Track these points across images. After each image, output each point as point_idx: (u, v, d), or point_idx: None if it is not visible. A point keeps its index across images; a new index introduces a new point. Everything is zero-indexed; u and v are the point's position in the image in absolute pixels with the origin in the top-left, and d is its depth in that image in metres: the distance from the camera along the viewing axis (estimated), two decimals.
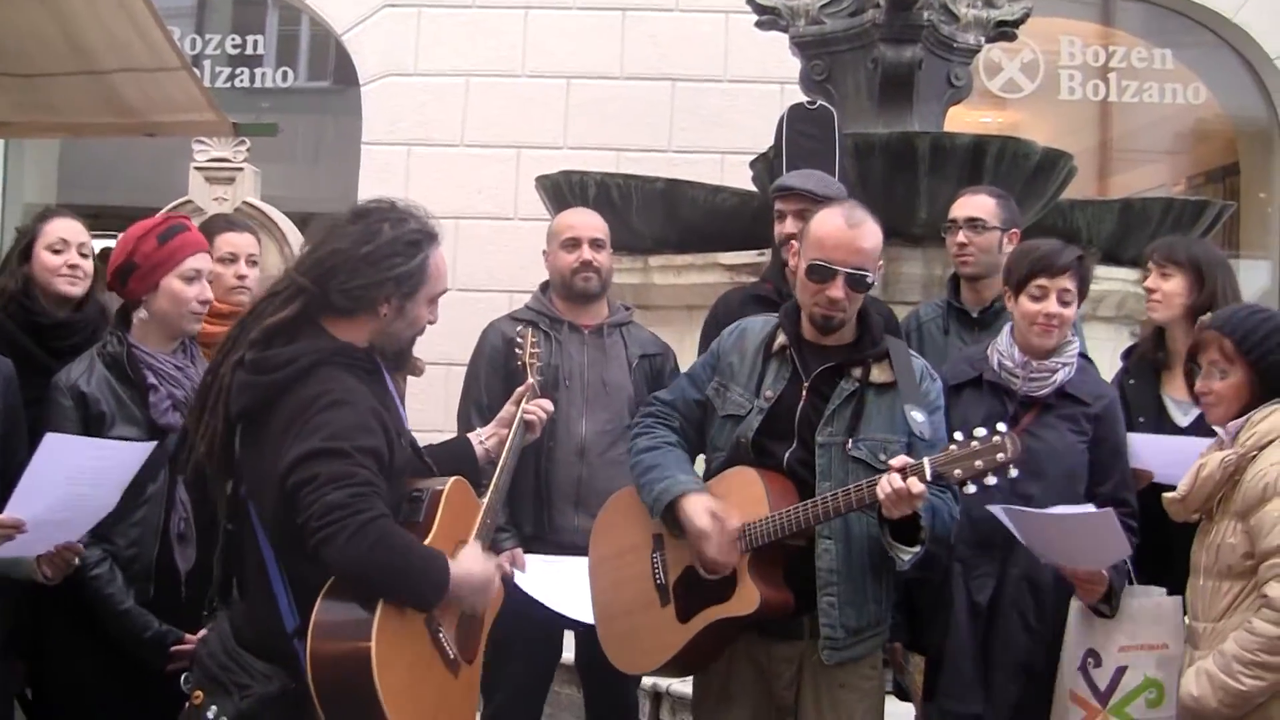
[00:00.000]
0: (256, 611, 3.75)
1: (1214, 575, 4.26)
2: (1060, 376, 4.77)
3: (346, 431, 3.56)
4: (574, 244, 5.66)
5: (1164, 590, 4.67)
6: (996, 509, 4.40)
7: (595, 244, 5.66)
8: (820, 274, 4.30)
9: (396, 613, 3.55)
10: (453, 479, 4.02)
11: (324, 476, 3.46)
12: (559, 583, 5.11)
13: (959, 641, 4.76)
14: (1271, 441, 4.18)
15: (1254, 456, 4.18)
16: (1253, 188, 13.44)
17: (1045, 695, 4.68)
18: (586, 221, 5.80)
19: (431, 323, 4.01)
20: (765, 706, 4.47)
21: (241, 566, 3.88)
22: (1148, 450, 4.89)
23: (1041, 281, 4.71)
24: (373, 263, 3.75)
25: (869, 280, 4.35)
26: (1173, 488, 4.43)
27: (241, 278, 5.55)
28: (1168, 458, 4.78)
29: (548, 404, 4.62)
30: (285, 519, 3.59)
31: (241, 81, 13.20)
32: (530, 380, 4.79)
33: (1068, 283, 4.72)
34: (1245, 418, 4.27)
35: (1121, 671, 4.58)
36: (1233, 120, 13.59)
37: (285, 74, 13.40)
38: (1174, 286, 5.14)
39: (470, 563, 3.80)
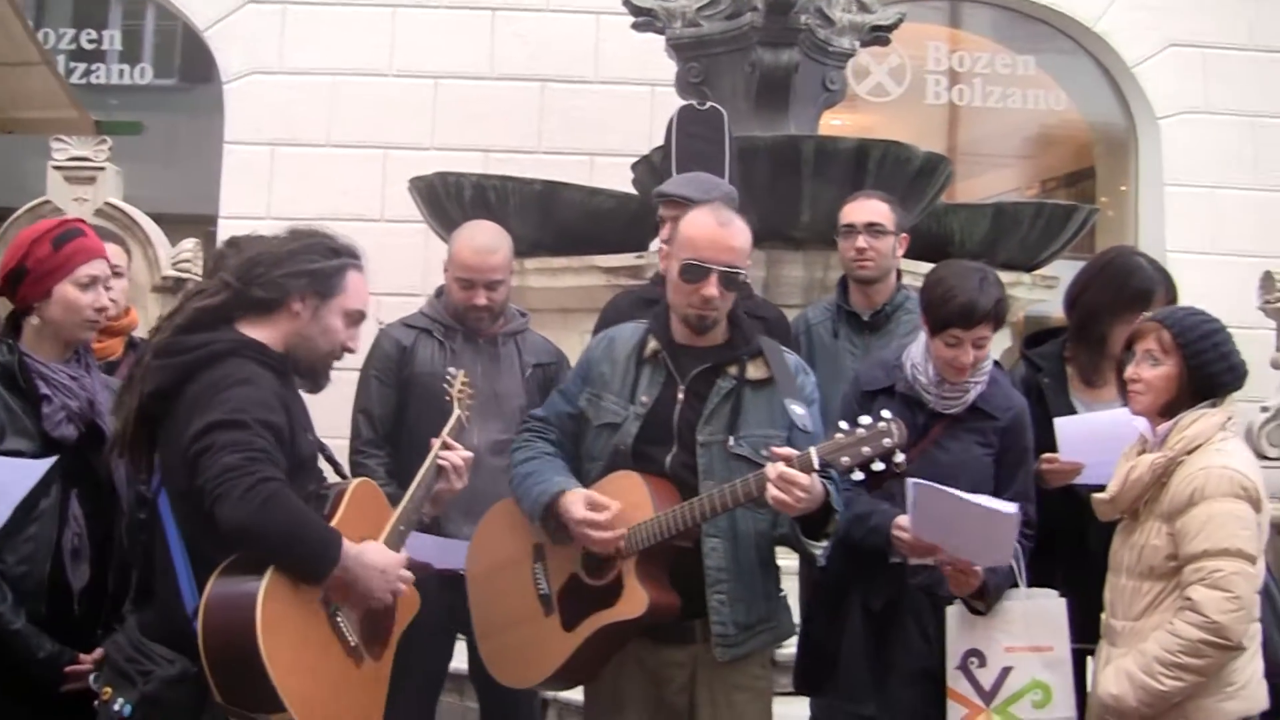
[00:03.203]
0: (161, 599, 3.79)
1: (1136, 575, 4.32)
2: (972, 395, 4.74)
3: (247, 405, 3.65)
4: (469, 284, 5.44)
5: (1054, 592, 4.70)
6: (909, 482, 4.38)
7: (491, 285, 5.45)
8: (694, 273, 4.30)
9: (287, 587, 3.57)
10: (360, 479, 4.13)
11: (221, 442, 3.55)
12: (447, 552, 5.04)
13: (854, 643, 4.78)
14: (1199, 446, 4.23)
15: (1182, 461, 4.23)
16: (1107, 192, 13.65)
17: (943, 699, 4.68)
18: (485, 262, 5.45)
19: (350, 350, 4.11)
20: (657, 712, 4.45)
21: (151, 563, 3.88)
22: (1074, 436, 4.86)
23: (956, 332, 4.61)
24: (291, 254, 3.93)
25: (741, 278, 4.37)
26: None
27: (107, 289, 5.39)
28: (1094, 444, 4.77)
29: (468, 454, 4.49)
30: (190, 496, 3.62)
31: (98, 78, 12.91)
32: (457, 413, 4.73)
33: (984, 331, 4.63)
34: (1174, 421, 4.30)
35: (1007, 672, 4.59)
36: (1090, 126, 13.80)
37: (139, 70, 13.04)
38: None
39: (372, 550, 3.83)
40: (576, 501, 4.27)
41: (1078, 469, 4.84)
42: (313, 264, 3.93)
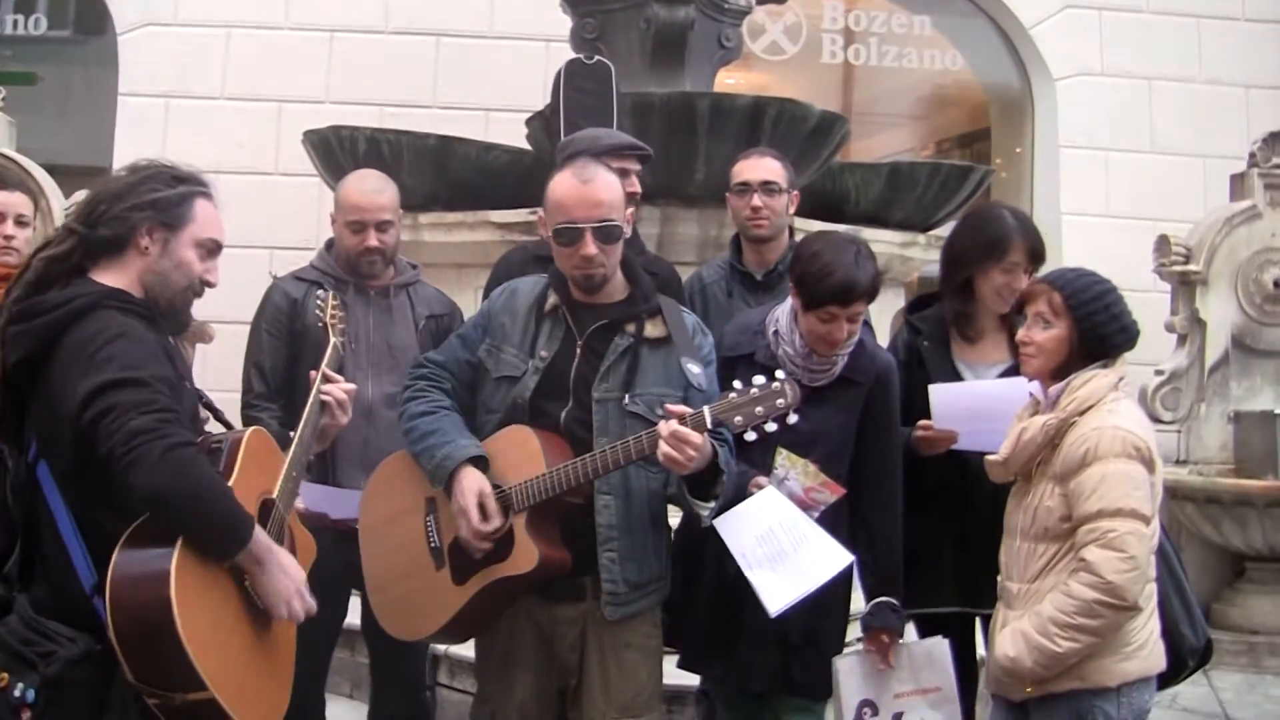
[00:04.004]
0: (53, 575, 3.61)
1: (1030, 537, 4.35)
2: (839, 367, 4.72)
3: (138, 361, 3.50)
4: (359, 226, 5.43)
5: (938, 637, 4.84)
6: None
7: (381, 226, 5.44)
8: (568, 236, 4.29)
9: (197, 558, 3.45)
10: (252, 428, 3.98)
11: (124, 404, 3.39)
12: (340, 502, 5.05)
13: (707, 605, 4.79)
14: (1091, 406, 4.26)
15: (1074, 422, 4.26)
16: (1002, 154, 13.74)
17: (807, 665, 4.72)
18: (374, 202, 5.46)
19: (210, 285, 3.90)
20: (549, 669, 4.47)
21: (38, 538, 3.69)
22: (949, 404, 4.88)
23: (833, 309, 4.55)
24: (131, 187, 3.77)
25: (618, 230, 4.33)
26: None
27: (9, 238, 5.32)
28: (969, 413, 4.81)
29: (350, 386, 4.46)
30: (79, 464, 3.49)
31: None
32: (334, 341, 4.69)
33: (860, 307, 4.59)
34: (1065, 382, 4.33)
35: (899, 717, 4.70)
36: (986, 88, 13.89)
37: (33, 21, 12.78)
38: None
39: (285, 557, 3.72)
40: (470, 489, 4.23)
41: (952, 437, 4.87)
42: (155, 193, 3.75)
